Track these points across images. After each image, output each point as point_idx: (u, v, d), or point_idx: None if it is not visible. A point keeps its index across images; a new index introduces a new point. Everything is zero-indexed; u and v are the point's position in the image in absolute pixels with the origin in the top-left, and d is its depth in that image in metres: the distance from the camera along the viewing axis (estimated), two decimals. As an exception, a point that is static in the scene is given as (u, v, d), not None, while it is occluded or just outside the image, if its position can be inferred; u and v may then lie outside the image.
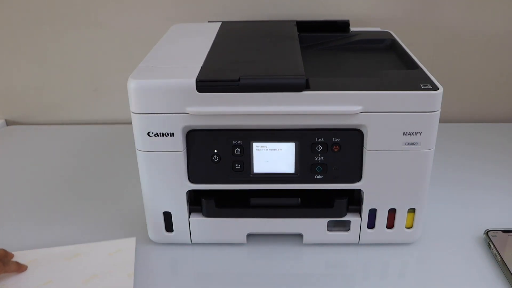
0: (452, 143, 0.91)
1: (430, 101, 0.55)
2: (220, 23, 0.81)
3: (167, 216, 0.63)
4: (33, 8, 0.95)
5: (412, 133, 0.56)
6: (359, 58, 0.72)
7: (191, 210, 0.64)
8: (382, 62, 0.70)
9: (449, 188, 0.78)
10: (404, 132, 0.56)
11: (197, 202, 0.63)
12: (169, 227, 0.64)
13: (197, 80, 0.55)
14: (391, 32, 0.80)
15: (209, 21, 0.85)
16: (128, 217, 0.71)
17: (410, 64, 0.65)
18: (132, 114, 0.57)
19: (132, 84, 0.55)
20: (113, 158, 0.89)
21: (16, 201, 0.77)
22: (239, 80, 0.55)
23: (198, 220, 0.63)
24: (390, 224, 0.63)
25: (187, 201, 0.62)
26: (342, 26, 0.82)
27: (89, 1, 0.94)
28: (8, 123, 1.05)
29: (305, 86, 0.55)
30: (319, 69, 0.67)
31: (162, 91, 0.55)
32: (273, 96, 0.55)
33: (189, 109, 0.56)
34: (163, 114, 0.56)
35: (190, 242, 0.65)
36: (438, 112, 0.56)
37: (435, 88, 0.55)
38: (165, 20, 0.94)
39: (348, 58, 0.72)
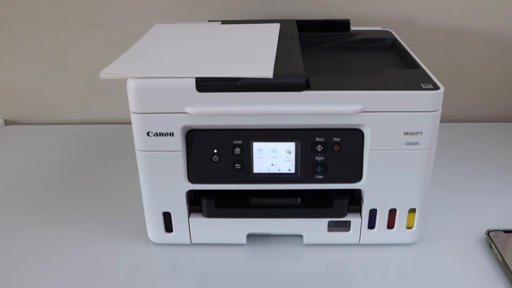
0: (453, 143, 0.91)
1: (431, 100, 0.55)
2: (220, 22, 0.81)
3: (167, 216, 0.63)
4: (31, 8, 0.94)
5: (413, 133, 0.56)
6: (360, 58, 0.72)
7: (190, 210, 0.63)
8: (382, 61, 0.70)
9: (449, 188, 0.77)
10: (404, 132, 0.56)
11: (197, 202, 0.63)
12: (168, 227, 0.63)
13: (197, 79, 0.54)
14: (392, 31, 0.80)
15: (209, 20, 0.84)
16: (128, 217, 0.71)
17: (410, 63, 0.65)
18: (131, 114, 0.57)
19: (132, 84, 0.55)
20: (112, 158, 0.88)
21: (15, 201, 0.77)
22: (239, 79, 0.54)
23: (198, 220, 0.63)
24: (391, 224, 0.62)
25: (187, 201, 0.62)
26: (342, 25, 0.81)
27: (88, 0, 0.94)
28: (7, 122, 1.05)
29: (305, 86, 0.55)
30: (319, 69, 0.67)
31: (161, 90, 0.55)
32: (273, 95, 0.55)
33: (188, 109, 0.55)
34: (163, 114, 0.56)
35: (189, 243, 0.65)
36: (439, 112, 0.56)
37: (436, 87, 0.55)
38: (165, 19, 0.94)
39: (349, 58, 0.72)
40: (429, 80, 0.57)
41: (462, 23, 0.94)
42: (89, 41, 0.97)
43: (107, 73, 0.56)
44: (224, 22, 0.81)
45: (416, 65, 0.63)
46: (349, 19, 0.81)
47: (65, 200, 0.76)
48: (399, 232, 0.63)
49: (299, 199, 0.63)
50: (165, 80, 0.55)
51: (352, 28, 0.81)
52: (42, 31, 0.96)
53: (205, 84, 0.55)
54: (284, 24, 0.77)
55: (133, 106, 0.56)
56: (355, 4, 0.92)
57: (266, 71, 0.55)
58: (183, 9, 0.94)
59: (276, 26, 0.75)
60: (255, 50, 0.62)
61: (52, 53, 0.98)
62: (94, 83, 1.01)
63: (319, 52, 0.74)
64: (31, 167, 0.86)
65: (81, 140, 0.96)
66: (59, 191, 0.79)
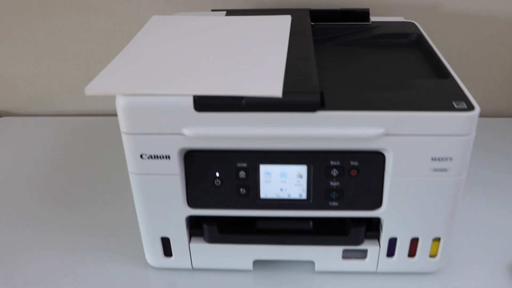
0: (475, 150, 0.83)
1: (464, 123, 0.47)
2: (225, 12, 0.73)
3: (165, 241, 0.57)
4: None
5: (442, 159, 0.49)
6: (381, 59, 0.63)
7: (191, 234, 0.58)
8: (407, 64, 0.62)
9: (474, 208, 0.69)
10: (432, 158, 0.49)
11: (198, 225, 0.57)
12: (167, 251, 0.58)
13: (195, 97, 0.48)
14: (416, 23, 0.72)
15: (212, 10, 0.76)
16: (125, 217, 0.66)
17: (439, 69, 0.57)
18: (122, 134, 0.51)
19: (121, 102, 0.49)
20: (110, 150, 0.84)
21: (8, 194, 0.73)
22: (243, 98, 0.47)
23: (199, 246, 0.57)
24: (412, 253, 0.56)
25: (187, 225, 0.56)
26: (361, 15, 0.73)
27: (81, -16, 0.86)
28: (1, 114, 1.00)
29: (320, 105, 0.48)
30: (335, 75, 0.59)
31: (155, 109, 0.48)
32: (282, 116, 0.48)
33: (185, 130, 0.49)
34: (157, 135, 0.50)
35: (191, 268, 0.59)
36: (473, 136, 0.48)
37: (470, 107, 0.48)
38: (165, 4, 0.86)
39: (369, 59, 0.64)
40: (461, 95, 0.50)
41: (494, 7, 0.84)
42: (86, 28, 0.90)
43: (93, 88, 0.49)
44: (229, 12, 0.73)
45: (446, 74, 0.55)
46: (368, 8, 0.73)
47: (59, 193, 0.74)
48: (421, 261, 0.57)
49: (311, 223, 0.57)
50: (158, 97, 0.48)
51: (372, 18, 0.73)
52: (37, 19, 0.89)
53: (204, 103, 0.48)
54: (296, 15, 0.69)
55: (123, 126, 0.50)
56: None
57: (275, 89, 0.47)
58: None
59: (287, 19, 0.67)
60: (262, 59, 0.55)
61: (47, 42, 0.92)
62: (91, 73, 0.93)
63: (335, 50, 0.66)
64: (25, 159, 0.82)
65: (77, 131, 0.91)
66: (54, 184, 0.76)
